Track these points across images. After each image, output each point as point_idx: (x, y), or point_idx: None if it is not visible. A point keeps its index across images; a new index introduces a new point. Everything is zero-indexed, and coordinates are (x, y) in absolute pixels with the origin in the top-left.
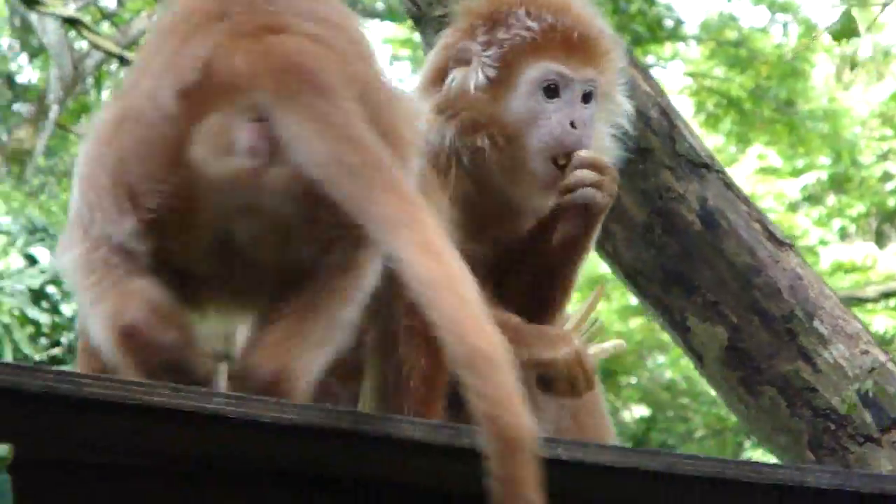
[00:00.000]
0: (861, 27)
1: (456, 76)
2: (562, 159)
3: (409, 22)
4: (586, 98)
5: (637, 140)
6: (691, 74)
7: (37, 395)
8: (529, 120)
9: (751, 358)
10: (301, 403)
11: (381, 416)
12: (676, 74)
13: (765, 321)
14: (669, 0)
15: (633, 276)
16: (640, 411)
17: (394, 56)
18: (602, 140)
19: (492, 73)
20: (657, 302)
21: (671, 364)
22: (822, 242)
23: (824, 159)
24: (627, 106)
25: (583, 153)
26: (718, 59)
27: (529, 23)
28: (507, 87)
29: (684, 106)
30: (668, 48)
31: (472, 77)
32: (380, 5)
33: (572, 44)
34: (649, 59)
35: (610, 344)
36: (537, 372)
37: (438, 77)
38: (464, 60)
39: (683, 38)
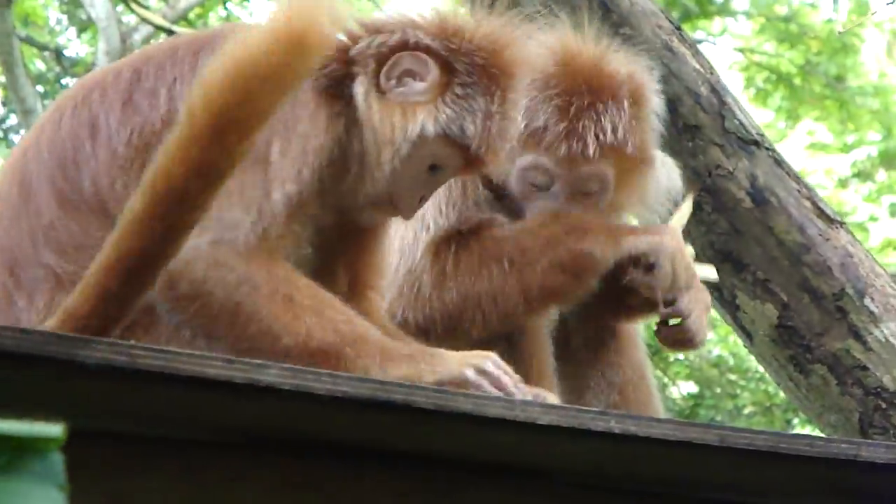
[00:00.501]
0: None
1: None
2: None
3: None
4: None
5: (686, 117)
6: (741, 50)
7: (92, 367)
8: (519, 198)
9: (801, 336)
10: (355, 375)
11: (434, 389)
12: (726, 50)
13: (815, 299)
14: None
15: None
16: (687, 388)
17: None
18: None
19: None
20: (705, 280)
21: (719, 341)
22: (872, 219)
23: (874, 135)
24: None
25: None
26: (768, 34)
27: (529, 118)
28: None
29: (734, 81)
30: (717, 23)
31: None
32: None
33: (565, 149)
34: (698, 35)
35: (704, 267)
36: (642, 260)
37: None
38: None
39: (733, 14)
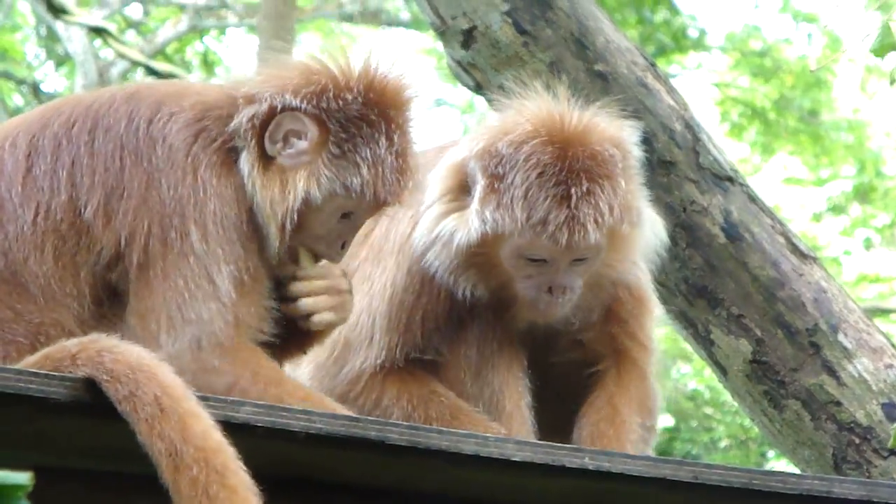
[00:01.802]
0: None
1: (449, 223)
2: (544, 310)
3: (430, 27)
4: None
5: (661, 153)
6: (716, 84)
7: (64, 403)
8: (512, 274)
9: (775, 371)
10: (329, 412)
11: (408, 426)
12: (702, 84)
13: (789, 334)
14: (694, 10)
15: (656, 289)
16: (664, 421)
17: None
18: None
19: (478, 237)
20: (681, 315)
21: (695, 374)
22: (847, 253)
23: (848, 169)
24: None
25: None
26: (743, 69)
27: (517, 212)
28: (493, 242)
29: (709, 115)
30: (692, 58)
31: (459, 235)
32: (405, 14)
33: (550, 242)
34: (674, 69)
35: None
36: None
37: (452, 185)
38: (471, 184)
39: (708, 49)
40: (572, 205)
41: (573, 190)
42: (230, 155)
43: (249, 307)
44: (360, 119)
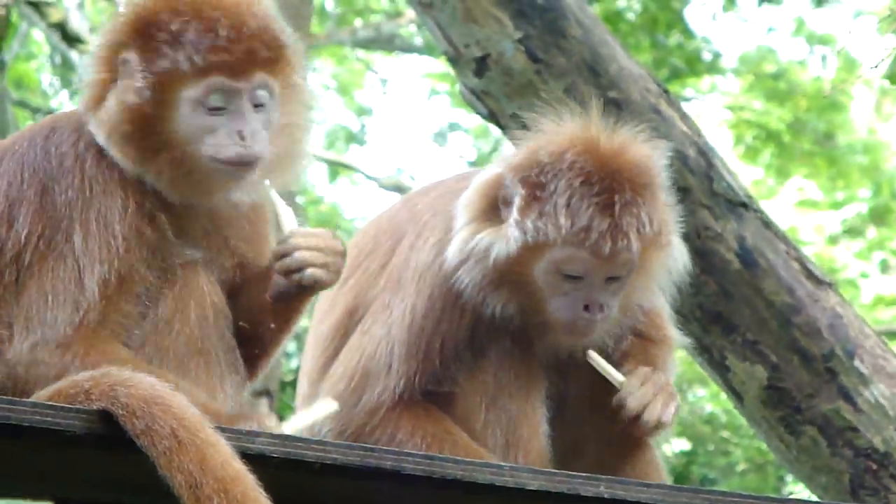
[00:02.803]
0: None
1: (485, 240)
2: (580, 330)
3: (444, 55)
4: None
5: (675, 180)
6: (730, 107)
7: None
8: (546, 293)
9: (791, 397)
10: (343, 443)
11: (423, 456)
12: (715, 107)
13: (805, 360)
14: (707, 33)
15: (671, 316)
16: (680, 445)
17: (432, 90)
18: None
19: (517, 252)
20: (696, 341)
21: (711, 397)
22: (863, 275)
23: (864, 192)
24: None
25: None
26: (757, 91)
27: (561, 220)
28: (529, 261)
29: (723, 139)
30: (706, 81)
31: (495, 249)
32: (418, 40)
33: (593, 249)
34: (687, 93)
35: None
36: None
37: (485, 206)
38: (507, 201)
39: (722, 72)
40: (616, 213)
41: (616, 198)
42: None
43: (115, 310)
44: None
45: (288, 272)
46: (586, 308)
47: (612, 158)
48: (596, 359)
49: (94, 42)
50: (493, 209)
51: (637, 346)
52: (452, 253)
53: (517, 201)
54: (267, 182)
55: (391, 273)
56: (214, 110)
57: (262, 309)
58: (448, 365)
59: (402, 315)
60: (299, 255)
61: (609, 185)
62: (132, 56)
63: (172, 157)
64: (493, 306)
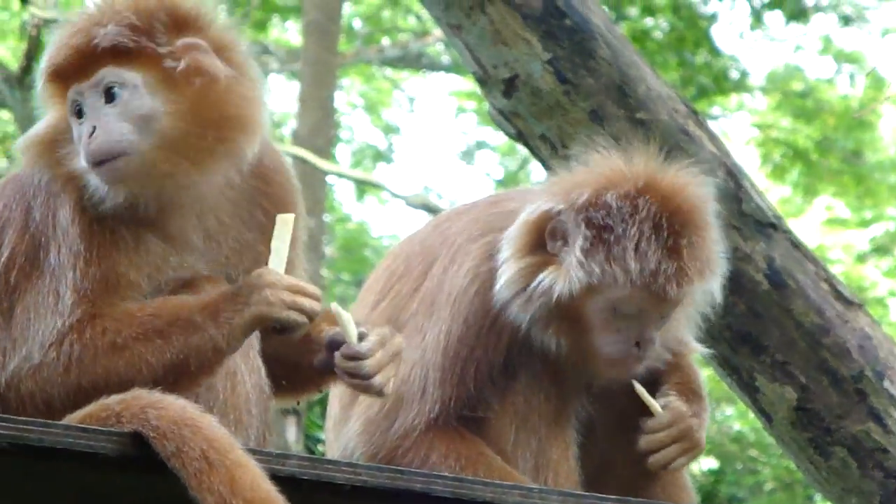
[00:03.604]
0: None
1: (545, 278)
2: (627, 365)
3: (472, 75)
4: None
5: None
6: (758, 126)
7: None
8: (597, 330)
9: (820, 418)
10: (373, 465)
11: (453, 478)
12: (742, 125)
13: (834, 381)
14: (735, 51)
15: (700, 337)
16: (708, 464)
17: (460, 108)
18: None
19: (576, 291)
20: (725, 362)
21: (739, 416)
22: (892, 294)
23: (893, 210)
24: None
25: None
26: (784, 110)
27: (631, 265)
28: (584, 296)
29: (750, 157)
30: (733, 99)
31: (557, 287)
32: (445, 58)
33: (659, 293)
34: (715, 111)
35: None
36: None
37: (533, 240)
38: (560, 237)
39: (749, 90)
40: (683, 257)
41: (683, 242)
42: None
43: (101, 310)
44: None
45: (351, 376)
46: (637, 345)
47: (675, 200)
48: (640, 390)
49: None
50: (540, 243)
51: (671, 366)
52: (504, 286)
53: (581, 242)
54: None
55: (424, 297)
56: (77, 116)
57: (305, 369)
58: (481, 389)
59: (436, 339)
60: (369, 369)
61: (675, 229)
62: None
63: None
64: (536, 337)
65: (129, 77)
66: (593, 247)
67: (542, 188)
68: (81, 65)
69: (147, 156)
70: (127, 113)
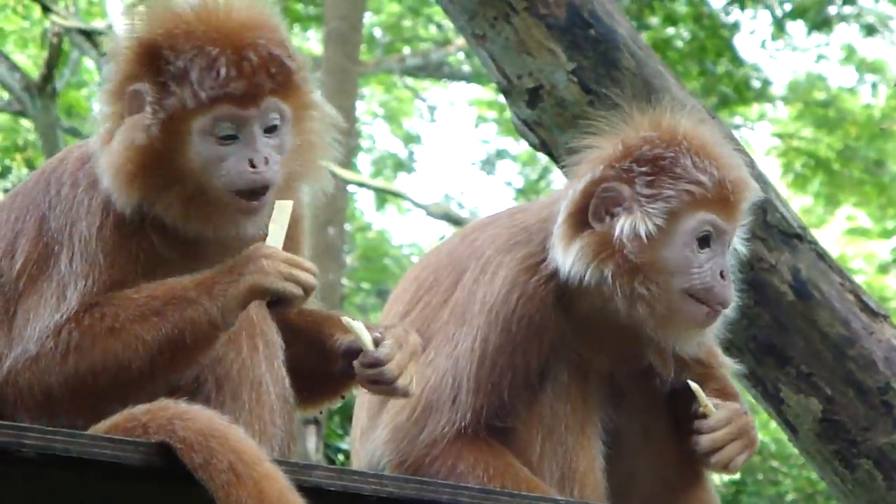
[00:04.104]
0: None
1: (625, 224)
2: (716, 306)
3: (496, 85)
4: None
5: None
6: (779, 135)
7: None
8: (683, 267)
9: (846, 430)
10: (400, 476)
11: (479, 490)
12: (764, 135)
13: (860, 393)
14: (757, 60)
15: (725, 348)
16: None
17: (480, 117)
18: None
19: (659, 223)
20: (750, 373)
21: (760, 426)
22: None
23: None
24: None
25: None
26: (806, 119)
27: (698, 176)
28: (665, 234)
29: (772, 167)
30: (755, 109)
31: (641, 228)
32: (466, 68)
33: (729, 197)
34: (736, 121)
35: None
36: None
37: (581, 211)
38: (617, 204)
39: (771, 99)
40: (734, 168)
41: (725, 159)
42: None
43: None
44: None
45: (374, 383)
46: (721, 275)
47: (698, 129)
48: (696, 388)
49: (105, 73)
50: (595, 214)
51: (705, 374)
52: (577, 255)
53: (641, 180)
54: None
55: (455, 307)
56: (225, 139)
57: (324, 377)
58: (514, 398)
59: (469, 348)
60: (391, 374)
61: (713, 151)
62: (143, 87)
63: (184, 190)
64: (606, 306)
65: (285, 110)
66: (656, 177)
67: (567, 183)
68: (248, 94)
69: (275, 190)
70: (281, 146)
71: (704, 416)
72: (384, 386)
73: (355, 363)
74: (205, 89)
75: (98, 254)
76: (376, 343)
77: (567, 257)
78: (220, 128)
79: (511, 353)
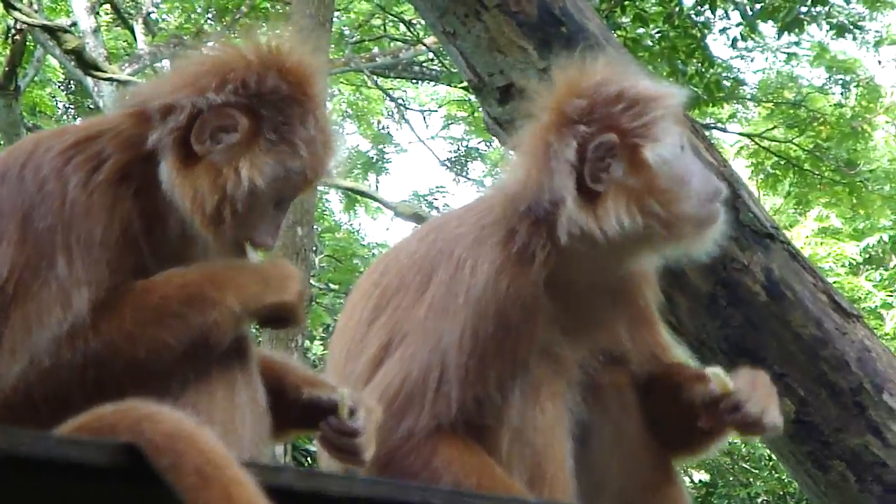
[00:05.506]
0: None
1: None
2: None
3: (465, 83)
4: None
5: None
6: (749, 135)
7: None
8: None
9: (819, 432)
10: (369, 477)
11: (451, 491)
12: (735, 136)
13: (833, 394)
14: (728, 60)
15: (697, 348)
16: (700, 476)
17: (449, 116)
18: None
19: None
20: None
21: None
22: (885, 305)
23: (886, 221)
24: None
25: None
26: (777, 119)
27: None
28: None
29: (741, 167)
30: (726, 109)
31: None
32: (436, 67)
33: None
34: (707, 121)
35: None
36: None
37: (581, 176)
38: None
39: (741, 99)
40: None
41: None
42: (124, 173)
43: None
44: (287, 100)
45: (341, 450)
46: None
47: None
48: (712, 370)
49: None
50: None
51: (673, 365)
52: (611, 218)
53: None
54: None
55: (432, 304)
56: (278, 205)
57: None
58: (497, 391)
59: (457, 340)
60: (362, 447)
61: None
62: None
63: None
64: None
65: None
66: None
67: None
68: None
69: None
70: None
71: (723, 396)
72: (349, 455)
73: (324, 425)
74: (311, 167)
75: (102, 258)
76: (351, 411)
77: (603, 219)
78: (281, 202)
79: (502, 340)
